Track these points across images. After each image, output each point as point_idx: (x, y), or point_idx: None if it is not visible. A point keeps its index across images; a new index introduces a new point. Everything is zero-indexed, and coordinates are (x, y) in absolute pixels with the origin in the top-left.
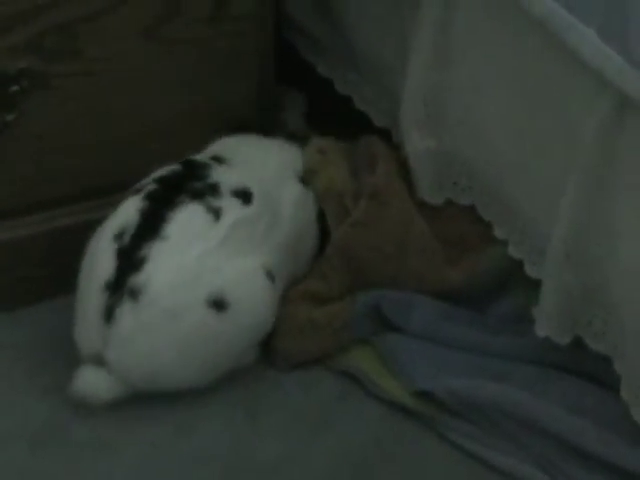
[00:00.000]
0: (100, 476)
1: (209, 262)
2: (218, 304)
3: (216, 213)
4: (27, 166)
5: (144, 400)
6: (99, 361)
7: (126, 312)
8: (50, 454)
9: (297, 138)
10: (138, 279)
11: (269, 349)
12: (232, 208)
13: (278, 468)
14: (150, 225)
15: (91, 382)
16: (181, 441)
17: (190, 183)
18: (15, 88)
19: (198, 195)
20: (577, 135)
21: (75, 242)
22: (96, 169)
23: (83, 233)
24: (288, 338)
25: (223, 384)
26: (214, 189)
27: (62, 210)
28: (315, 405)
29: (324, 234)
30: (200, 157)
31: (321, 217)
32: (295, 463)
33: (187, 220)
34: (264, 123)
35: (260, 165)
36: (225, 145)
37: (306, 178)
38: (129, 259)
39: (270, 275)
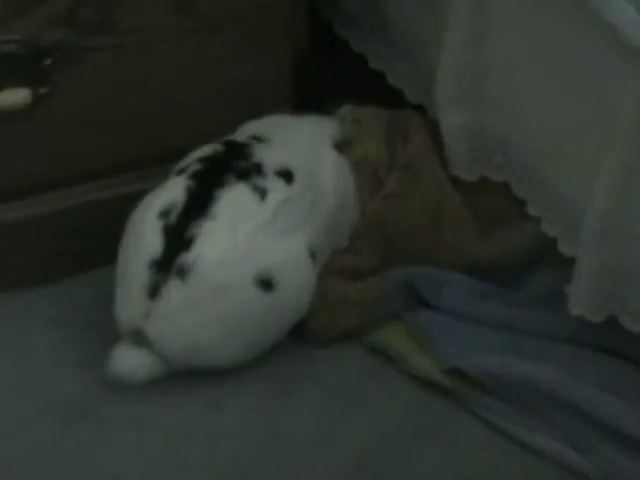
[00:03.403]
0: (131, 451)
1: (257, 241)
2: (265, 283)
3: (262, 193)
4: (60, 139)
5: (176, 375)
6: (138, 338)
7: (173, 290)
8: (81, 429)
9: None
10: (187, 258)
11: (301, 325)
12: (277, 188)
13: (310, 445)
14: (198, 204)
15: (129, 361)
16: (213, 416)
17: (235, 162)
18: (48, 61)
19: (244, 175)
20: (615, 113)
21: (109, 216)
22: (129, 143)
23: (117, 207)
24: (320, 314)
25: (255, 360)
26: (259, 169)
27: (96, 184)
28: (347, 382)
29: None
30: (240, 137)
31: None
32: (327, 440)
33: (235, 199)
34: (297, 98)
35: (297, 142)
36: (260, 125)
37: (342, 148)
38: (178, 238)
39: (312, 255)
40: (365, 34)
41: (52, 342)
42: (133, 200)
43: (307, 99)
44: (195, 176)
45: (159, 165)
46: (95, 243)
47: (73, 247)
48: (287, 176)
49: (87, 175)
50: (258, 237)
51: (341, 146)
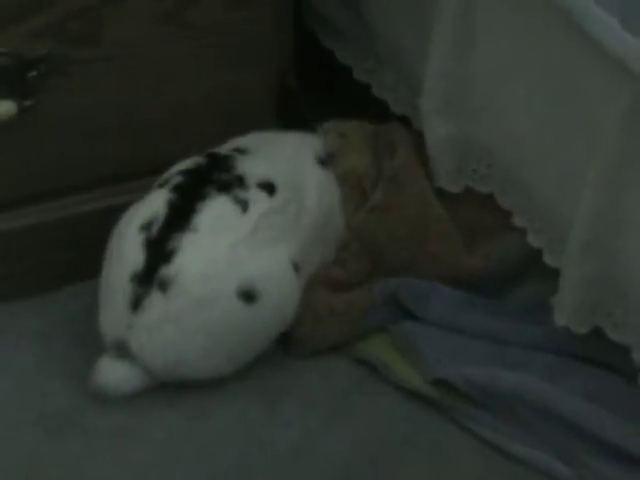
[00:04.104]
0: (116, 462)
1: (239, 253)
2: (247, 295)
3: (244, 205)
4: (45, 152)
5: (161, 387)
6: (122, 349)
7: (155, 302)
8: (66, 441)
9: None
10: (168, 271)
11: (287, 336)
12: (259, 200)
13: (294, 456)
14: (179, 217)
15: (113, 373)
16: (197, 428)
17: (217, 175)
18: (33, 73)
19: (225, 187)
20: (599, 124)
21: (94, 228)
22: (115, 155)
23: (103, 219)
24: (306, 325)
25: (240, 371)
26: (241, 181)
27: (82, 196)
28: (332, 393)
29: None
30: (222, 150)
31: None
32: (312, 451)
33: (216, 212)
34: (282, 109)
35: (280, 156)
36: (244, 139)
37: (327, 162)
38: (159, 251)
39: (296, 267)
40: (350, 45)
41: (37, 354)
42: (117, 212)
43: (292, 110)
44: (177, 189)
45: (143, 177)
46: (80, 255)
47: (58, 259)
48: (269, 188)
49: (71, 187)
50: (240, 249)
51: (325, 161)
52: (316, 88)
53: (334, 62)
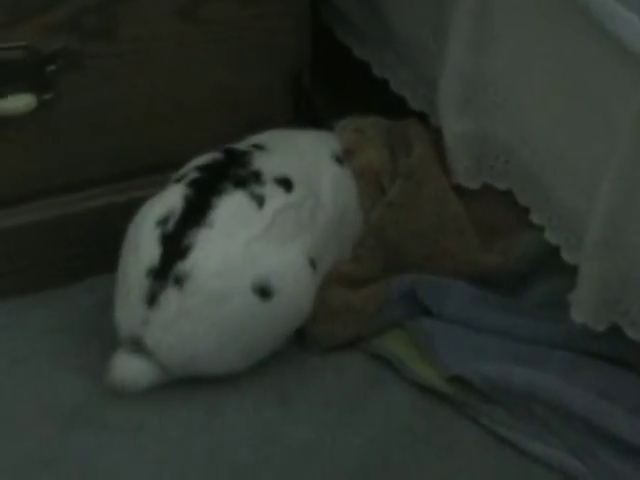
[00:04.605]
0: (131, 457)
1: (255, 249)
2: (263, 291)
3: (260, 200)
4: (59, 147)
5: (176, 382)
6: (137, 344)
7: (170, 298)
8: (82, 435)
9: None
10: (184, 266)
11: (303, 332)
12: (275, 196)
13: (309, 452)
14: (195, 212)
15: (128, 368)
16: (212, 423)
17: (233, 170)
18: (52, 68)
19: (242, 182)
20: (616, 121)
21: (109, 223)
22: (131, 150)
23: (117, 214)
24: (322, 322)
25: (256, 367)
26: (257, 176)
27: (97, 190)
28: (348, 389)
29: None
30: (239, 146)
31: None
32: (327, 447)
33: (232, 207)
34: (297, 107)
35: (297, 152)
36: (261, 136)
37: (344, 158)
38: (174, 246)
39: (312, 263)
40: (367, 42)
41: (52, 349)
42: (134, 207)
43: (307, 108)
44: (193, 184)
45: (160, 172)
46: (96, 250)
47: (74, 253)
48: (286, 184)
49: (89, 181)
50: (255, 245)
51: (342, 159)
52: (330, 86)
53: (350, 59)
